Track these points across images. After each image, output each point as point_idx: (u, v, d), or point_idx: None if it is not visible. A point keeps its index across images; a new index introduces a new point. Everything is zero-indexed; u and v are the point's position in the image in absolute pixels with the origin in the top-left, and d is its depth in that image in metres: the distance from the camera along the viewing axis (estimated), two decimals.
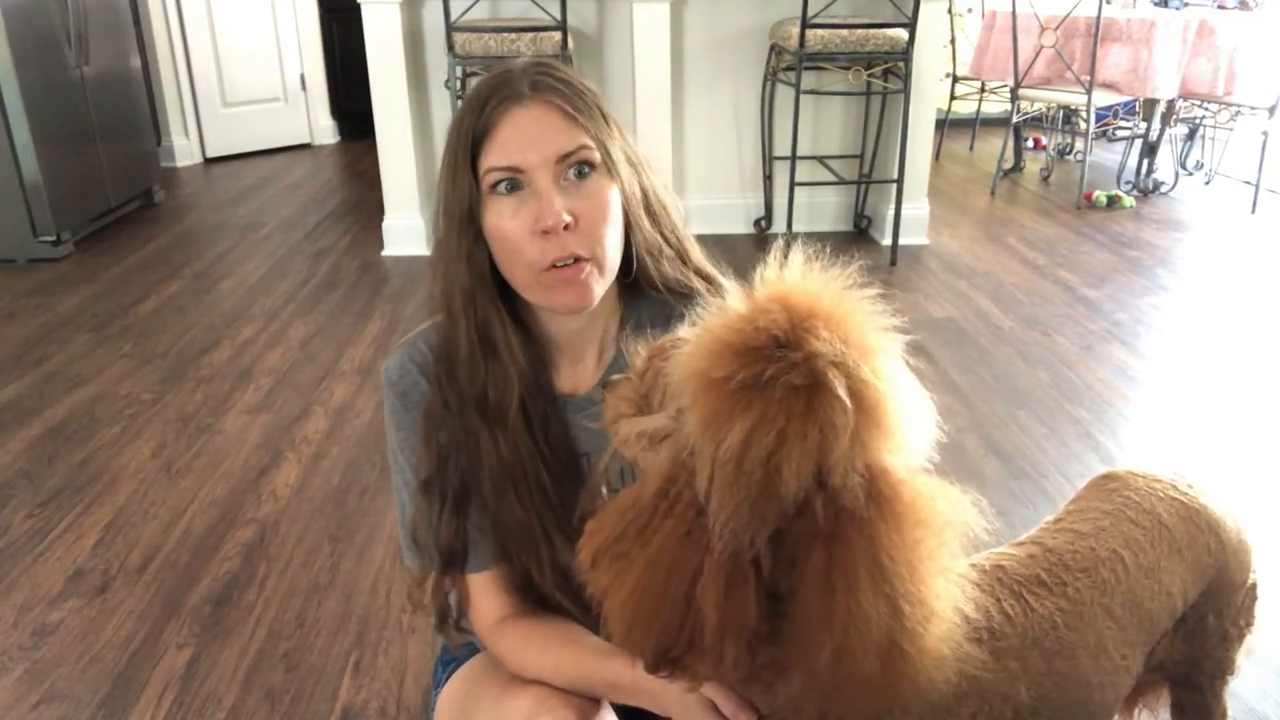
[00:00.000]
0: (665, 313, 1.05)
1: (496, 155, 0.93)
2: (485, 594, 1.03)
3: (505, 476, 0.98)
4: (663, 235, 1.03)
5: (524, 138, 0.92)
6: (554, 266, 0.93)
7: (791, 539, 0.70)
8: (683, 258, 1.06)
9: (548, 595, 1.02)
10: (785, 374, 0.66)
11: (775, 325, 0.68)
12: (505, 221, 0.93)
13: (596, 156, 0.94)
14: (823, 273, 0.73)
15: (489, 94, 0.94)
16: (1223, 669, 1.09)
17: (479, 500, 1.01)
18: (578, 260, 0.93)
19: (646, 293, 1.06)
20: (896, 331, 0.71)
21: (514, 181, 0.93)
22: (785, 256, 0.74)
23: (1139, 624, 0.95)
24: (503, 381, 0.98)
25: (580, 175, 0.94)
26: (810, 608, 0.69)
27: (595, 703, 0.96)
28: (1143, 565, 0.96)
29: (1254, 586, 1.09)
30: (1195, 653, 1.06)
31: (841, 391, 0.66)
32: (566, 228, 0.92)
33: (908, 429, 0.69)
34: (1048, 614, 0.90)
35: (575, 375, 1.06)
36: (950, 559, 0.71)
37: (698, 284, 1.05)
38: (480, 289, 0.97)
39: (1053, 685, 0.88)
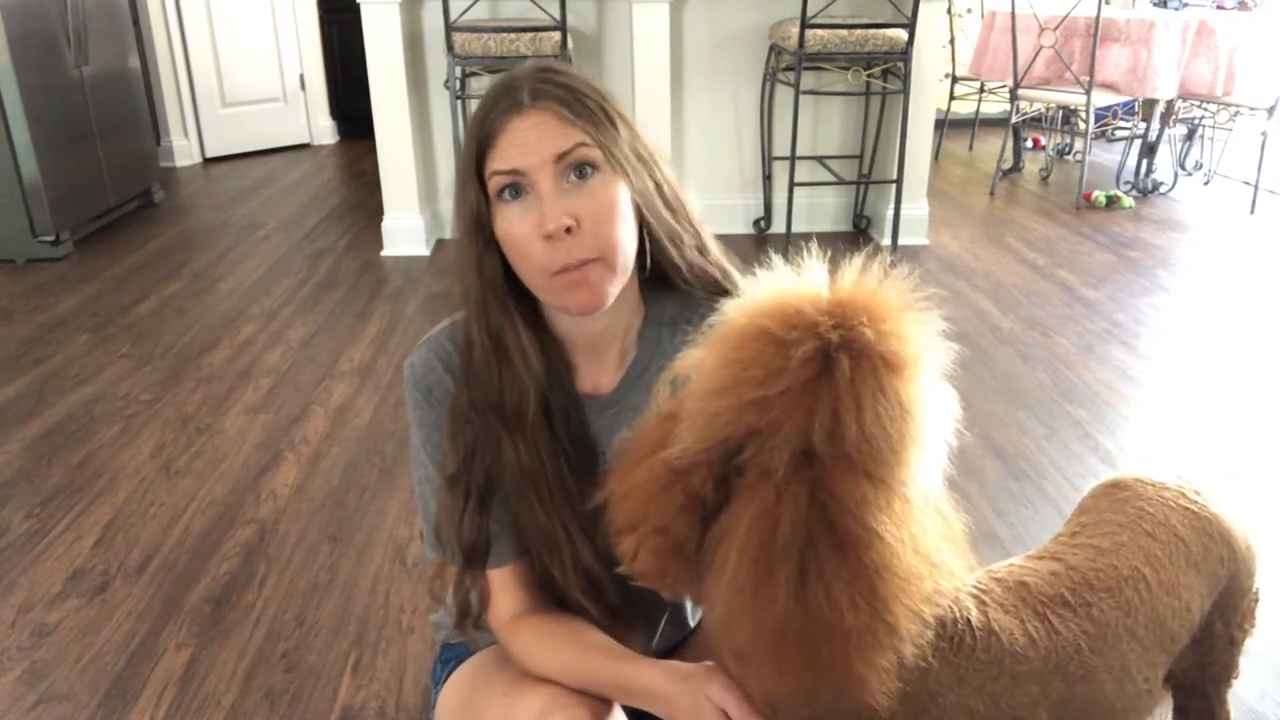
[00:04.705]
0: (690, 310, 1.04)
1: (498, 161, 0.94)
2: (503, 589, 1.04)
3: (526, 480, 0.99)
4: (681, 226, 1.04)
5: (522, 142, 0.93)
6: (563, 270, 0.93)
7: (732, 492, 0.75)
8: (702, 249, 1.06)
9: (569, 596, 1.02)
10: (808, 341, 0.68)
11: (818, 308, 0.71)
12: (513, 228, 0.94)
13: (596, 155, 0.94)
14: (888, 280, 0.75)
15: (492, 103, 0.96)
16: (1228, 673, 1.09)
17: (501, 496, 1.01)
18: (584, 262, 0.93)
19: (673, 285, 1.06)
20: (943, 345, 0.73)
21: (517, 186, 0.94)
22: (862, 265, 0.76)
23: (1161, 644, 0.93)
24: (517, 386, 0.99)
25: (582, 176, 0.94)
26: (715, 553, 0.75)
27: (607, 703, 0.96)
28: (1163, 582, 0.94)
29: (1258, 590, 1.08)
30: (1203, 659, 1.05)
31: (841, 376, 0.68)
32: (570, 230, 0.92)
33: (909, 444, 0.70)
34: (1072, 637, 0.87)
35: (596, 375, 1.06)
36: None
37: (717, 274, 1.06)
38: (491, 296, 0.98)
39: (1075, 712, 0.86)
